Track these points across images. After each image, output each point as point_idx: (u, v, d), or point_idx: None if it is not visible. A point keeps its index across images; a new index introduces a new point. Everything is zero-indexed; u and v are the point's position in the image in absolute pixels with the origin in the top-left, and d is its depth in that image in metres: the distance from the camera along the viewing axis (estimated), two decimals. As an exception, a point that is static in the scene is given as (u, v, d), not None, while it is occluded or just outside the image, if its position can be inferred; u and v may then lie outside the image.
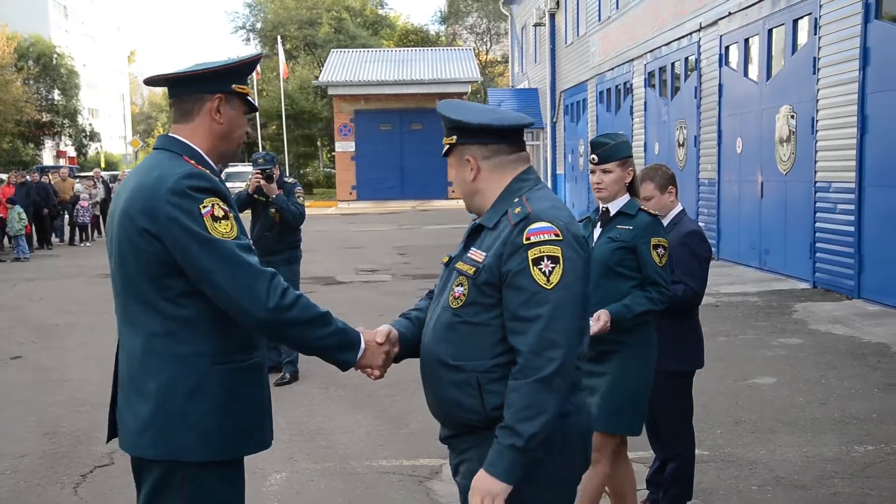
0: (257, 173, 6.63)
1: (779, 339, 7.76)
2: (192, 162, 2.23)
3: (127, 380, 2.23)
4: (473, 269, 2.19)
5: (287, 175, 7.22)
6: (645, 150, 16.77)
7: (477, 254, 2.21)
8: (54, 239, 19.70)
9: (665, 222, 3.93)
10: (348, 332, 2.33)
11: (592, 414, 2.40)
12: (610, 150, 3.41)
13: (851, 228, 9.47)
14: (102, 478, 4.70)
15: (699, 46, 13.93)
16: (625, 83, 18.31)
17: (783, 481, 4.42)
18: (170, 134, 2.33)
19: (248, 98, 2.39)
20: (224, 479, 2.24)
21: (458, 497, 2.35)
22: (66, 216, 20.30)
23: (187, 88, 2.30)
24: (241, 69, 2.36)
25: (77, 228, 19.82)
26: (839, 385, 6.20)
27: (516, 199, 2.21)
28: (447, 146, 2.32)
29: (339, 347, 2.31)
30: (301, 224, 6.80)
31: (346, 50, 36.96)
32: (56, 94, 51.95)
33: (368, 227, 22.69)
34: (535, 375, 2.05)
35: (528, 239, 2.11)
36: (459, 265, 2.25)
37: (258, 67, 33.43)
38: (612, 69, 19.05)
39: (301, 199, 6.79)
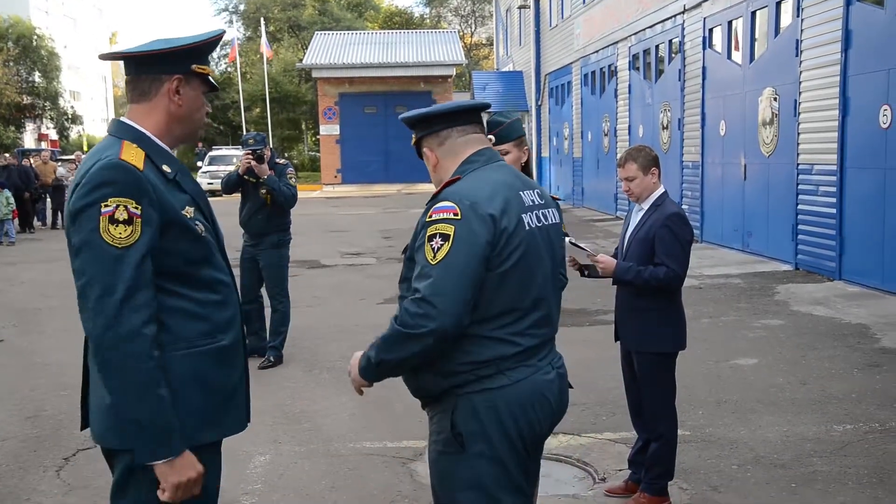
0: (248, 154, 6.58)
1: (761, 320, 7.82)
2: (134, 146, 2.13)
3: (92, 369, 2.19)
4: (404, 247, 2.42)
5: (278, 156, 7.19)
6: (629, 133, 16.79)
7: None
8: (36, 222, 19.54)
9: (647, 204, 3.96)
10: (170, 428, 2.06)
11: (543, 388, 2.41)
12: (505, 130, 3.28)
13: (833, 210, 9.53)
14: (84, 461, 4.69)
15: (683, 29, 13.93)
16: (609, 66, 18.30)
17: (763, 460, 4.47)
18: (122, 118, 2.25)
19: (209, 78, 2.30)
20: None
21: None
22: (49, 199, 20.14)
23: (144, 68, 2.21)
24: (202, 48, 2.25)
25: (62, 212, 19.66)
26: (819, 365, 6.26)
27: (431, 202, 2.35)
28: (415, 148, 2.50)
29: (149, 433, 2.05)
30: (293, 206, 6.77)
31: (331, 32, 36.73)
32: (37, 77, 51.32)
33: (353, 210, 22.63)
34: (408, 331, 2.21)
35: (430, 217, 2.28)
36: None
37: (236, 51, 32.93)
38: (597, 52, 19.02)
39: (293, 180, 6.76)
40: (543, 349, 2.41)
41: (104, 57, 2.34)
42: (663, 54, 15.17)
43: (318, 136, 36.72)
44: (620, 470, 4.36)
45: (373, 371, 2.34)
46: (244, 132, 39.25)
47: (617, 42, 17.42)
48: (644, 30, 15.84)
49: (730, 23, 12.34)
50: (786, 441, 4.74)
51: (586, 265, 3.99)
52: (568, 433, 4.98)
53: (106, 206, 2.02)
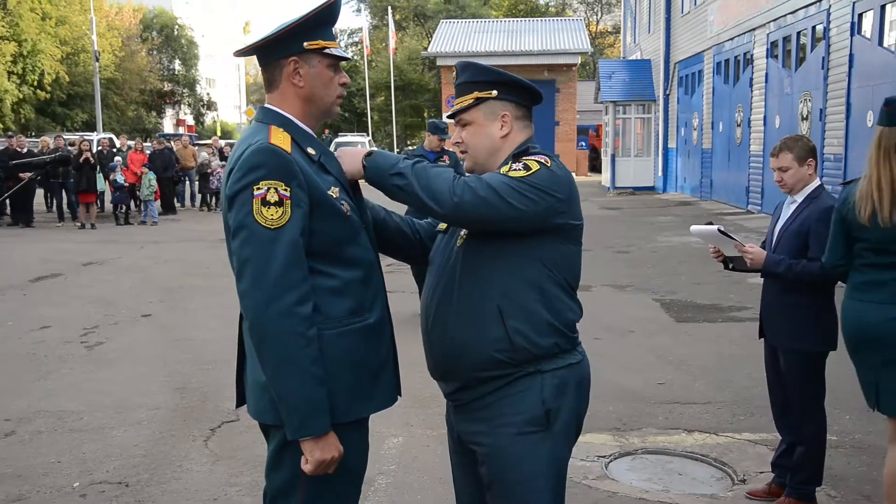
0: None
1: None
2: (281, 131, 2.18)
3: (250, 346, 2.23)
4: None
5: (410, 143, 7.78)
6: (765, 124, 16.13)
7: None
8: (176, 204, 20.52)
9: (801, 197, 3.80)
10: (319, 406, 2.10)
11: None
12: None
13: None
14: (229, 432, 4.91)
15: (829, 14, 13.23)
16: (745, 54, 17.62)
17: (918, 471, 4.21)
18: (266, 104, 2.30)
19: (328, 51, 2.24)
20: (342, 442, 2.17)
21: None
22: (188, 182, 21.14)
23: (265, 57, 2.25)
24: (307, 23, 2.21)
25: (208, 194, 20.65)
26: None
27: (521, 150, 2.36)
28: (474, 101, 2.37)
29: (300, 410, 2.09)
30: None
31: (456, 20, 36.90)
32: (177, 65, 53.98)
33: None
34: (450, 186, 2.22)
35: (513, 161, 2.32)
36: None
37: (366, 37, 33.23)
38: (731, 39, 18.34)
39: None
40: None
41: (238, 53, 2.39)
42: (805, 41, 14.46)
43: (446, 120, 36.99)
44: (762, 472, 4.21)
45: (384, 174, 2.25)
46: (369, 119, 40.09)
47: (754, 29, 16.74)
48: (785, 16, 15.14)
49: (882, 7, 11.63)
50: (943, 452, 4.45)
51: (732, 257, 3.86)
52: (704, 431, 4.85)
53: (258, 188, 2.07)
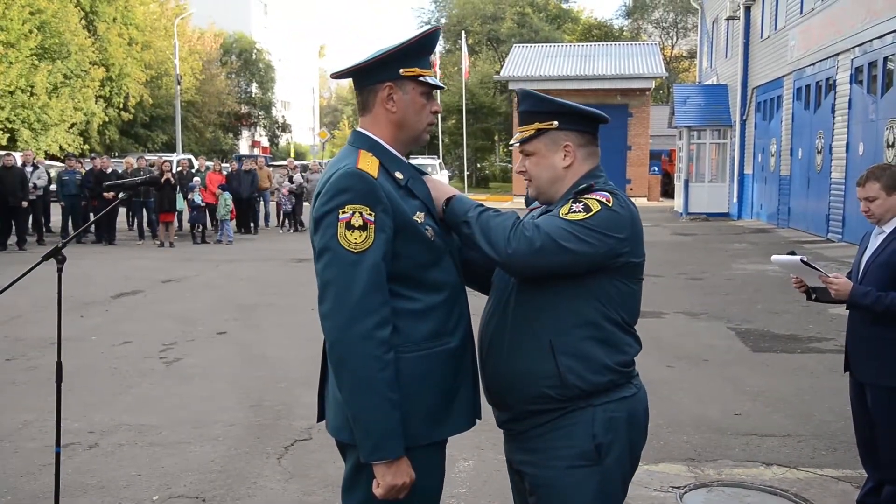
0: None
1: None
2: (370, 155, 2.21)
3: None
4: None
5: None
6: (847, 151, 15.69)
7: None
8: (251, 224, 20.97)
9: (889, 227, 3.69)
10: (393, 431, 2.11)
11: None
12: None
13: None
14: (302, 451, 4.97)
15: (916, 39, 12.85)
16: (827, 79, 17.21)
17: None
18: (358, 128, 2.34)
19: (422, 79, 2.28)
20: (418, 464, 2.18)
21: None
22: (262, 202, 21.60)
23: (361, 81, 2.29)
24: (405, 51, 2.25)
25: (283, 215, 21.10)
26: None
27: (583, 185, 2.30)
28: (535, 132, 2.35)
29: (373, 433, 2.11)
30: None
31: (529, 45, 37.03)
32: (254, 88, 55.43)
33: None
34: (508, 233, 2.22)
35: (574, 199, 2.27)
36: None
37: (436, 58, 33.56)
38: (813, 64, 17.94)
39: None
40: None
41: (335, 76, 2.43)
42: (892, 67, 14.06)
43: (510, 147, 37.03)
44: (846, 511, 4.06)
45: (458, 222, 2.28)
46: (440, 142, 40.38)
47: (838, 54, 16.35)
48: (871, 41, 14.74)
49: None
50: None
51: (815, 287, 3.75)
52: (783, 465, 4.71)
53: (343, 212, 2.11)
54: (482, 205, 2.32)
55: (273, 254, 15.72)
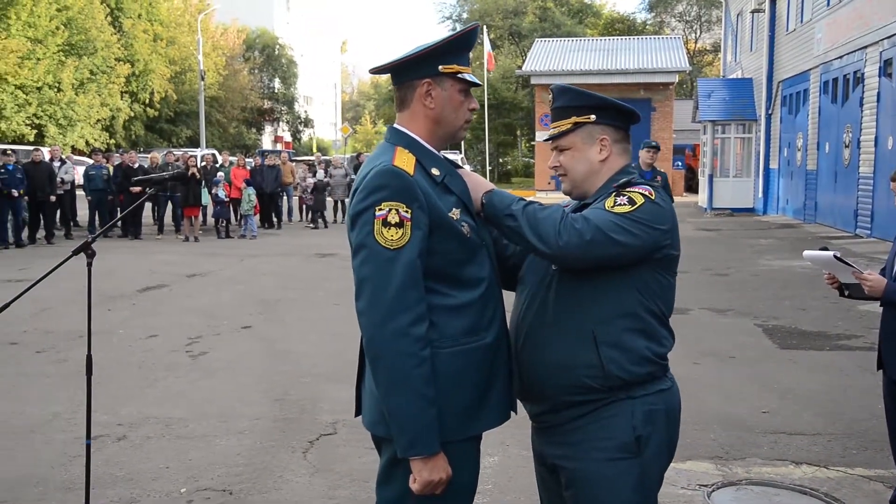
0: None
1: None
2: (406, 152, 2.22)
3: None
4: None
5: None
6: (876, 145, 15.49)
7: None
8: (274, 219, 21.05)
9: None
10: (429, 427, 2.12)
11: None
12: None
13: None
14: (327, 446, 4.98)
15: (946, 31, 12.65)
16: (855, 72, 16.99)
17: None
18: (394, 125, 2.34)
19: (460, 76, 2.28)
20: (453, 459, 2.18)
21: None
22: (285, 197, 21.68)
23: (400, 77, 2.29)
24: (445, 48, 2.25)
25: (305, 208, 21.21)
26: None
27: (623, 180, 2.30)
28: (573, 125, 2.36)
29: (409, 429, 2.12)
30: None
31: (551, 39, 36.83)
32: (276, 83, 55.65)
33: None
34: (556, 227, 2.22)
35: (618, 193, 2.29)
36: None
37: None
38: (840, 57, 17.72)
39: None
40: None
41: (374, 71, 2.43)
42: (921, 59, 13.86)
43: (532, 143, 36.96)
44: (877, 510, 4.01)
45: (499, 214, 2.26)
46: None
47: (866, 47, 16.13)
48: (898, 33, 14.55)
49: None
50: None
51: (848, 284, 3.70)
52: (813, 464, 4.66)
53: (380, 209, 2.11)
54: (524, 198, 2.31)
55: (296, 249, 15.78)
